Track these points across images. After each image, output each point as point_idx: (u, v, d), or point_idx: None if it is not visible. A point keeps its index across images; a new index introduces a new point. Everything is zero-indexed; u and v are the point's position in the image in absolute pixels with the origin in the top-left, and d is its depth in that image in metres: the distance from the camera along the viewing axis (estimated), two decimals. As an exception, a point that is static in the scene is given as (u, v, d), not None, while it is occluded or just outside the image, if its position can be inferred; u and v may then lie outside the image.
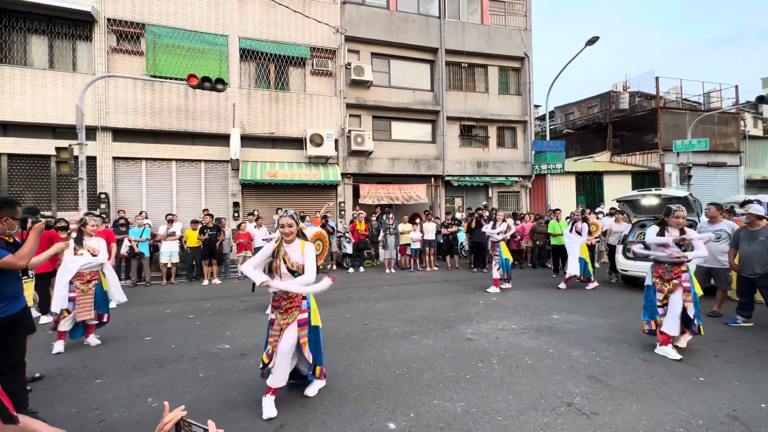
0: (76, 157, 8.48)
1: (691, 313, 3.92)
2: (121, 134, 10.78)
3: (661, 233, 4.12)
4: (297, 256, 3.04)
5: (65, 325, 4.43)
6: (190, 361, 4.08)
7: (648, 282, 4.29)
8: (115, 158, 10.76)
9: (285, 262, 3.03)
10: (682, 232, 4.05)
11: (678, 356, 3.88)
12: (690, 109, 20.32)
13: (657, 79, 18.58)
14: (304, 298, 3.12)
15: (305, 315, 3.09)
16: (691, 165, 15.04)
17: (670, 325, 3.96)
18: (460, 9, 14.49)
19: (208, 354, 4.27)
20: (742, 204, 5.32)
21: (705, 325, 4.99)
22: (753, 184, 19.30)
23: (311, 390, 3.23)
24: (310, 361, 3.09)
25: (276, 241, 3.14)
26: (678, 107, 20.05)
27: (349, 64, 12.69)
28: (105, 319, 4.70)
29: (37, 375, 3.62)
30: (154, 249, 9.34)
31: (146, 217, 9.42)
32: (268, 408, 2.90)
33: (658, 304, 4.10)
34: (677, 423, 2.74)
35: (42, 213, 8.66)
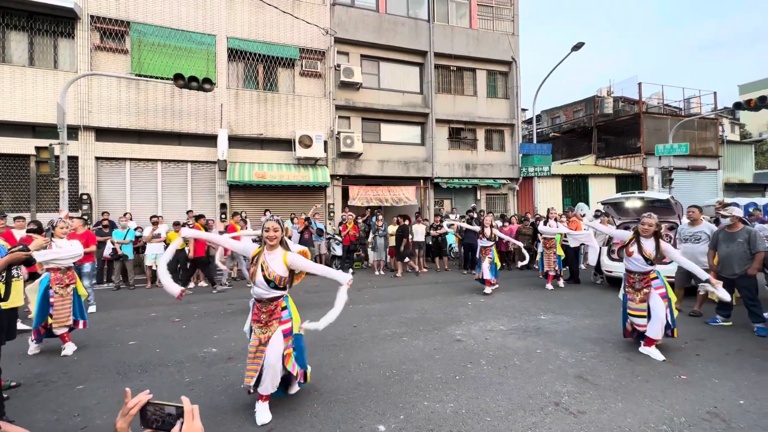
0: (57, 157, 8.27)
1: (669, 318, 4.03)
2: (104, 134, 10.53)
3: (636, 243, 4.17)
4: (277, 267, 2.88)
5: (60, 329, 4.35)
6: (176, 365, 4.00)
7: (621, 292, 4.38)
8: (98, 158, 10.50)
9: (263, 270, 2.86)
10: (658, 243, 4.10)
11: (662, 357, 3.95)
12: (671, 114, 20.89)
13: (640, 84, 19.06)
14: (285, 308, 3.01)
15: (288, 325, 2.98)
16: (672, 168, 15.47)
17: (655, 329, 4.02)
18: (448, 13, 14.61)
19: (195, 358, 4.20)
20: (725, 206, 5.48)
21: (687, 324, 5.16)
22: (731, 188, 19.96)
23: (292, 388, 3.18)
24: (294, 374, 3.00)
25: (258, 246, 3.03)
26: (660, 112, 20.59)
27: (339, 65, 12.67)
28: (81, 326, 4.57)
29: (13, 383, 3.49)
30: (142, 249, 9.15)
31: (131, 219, 9.22)
32: (262, 414, 2.86)
33: (633, 313, 4.19)
34: (660, 420, 2.81)
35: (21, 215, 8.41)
